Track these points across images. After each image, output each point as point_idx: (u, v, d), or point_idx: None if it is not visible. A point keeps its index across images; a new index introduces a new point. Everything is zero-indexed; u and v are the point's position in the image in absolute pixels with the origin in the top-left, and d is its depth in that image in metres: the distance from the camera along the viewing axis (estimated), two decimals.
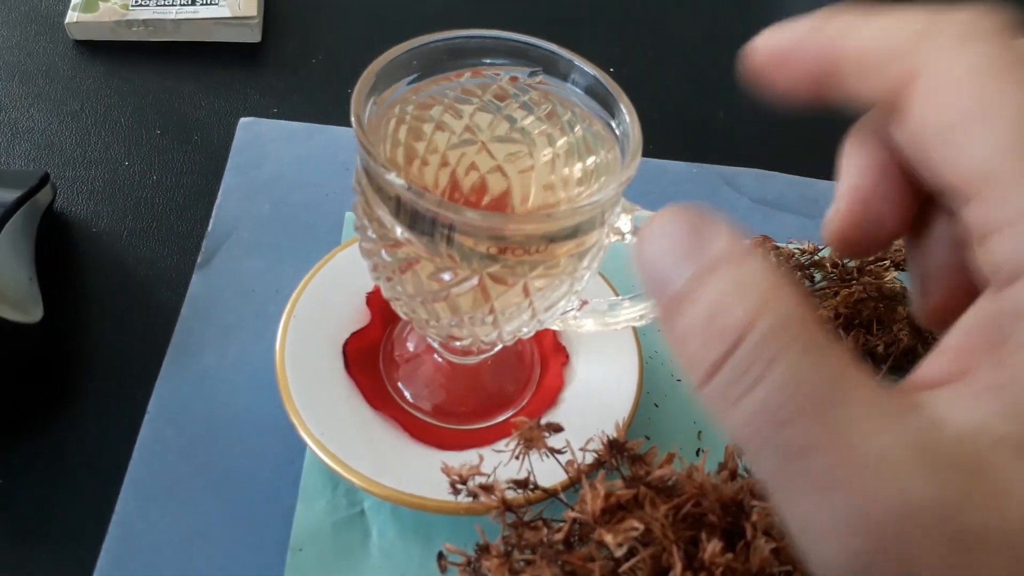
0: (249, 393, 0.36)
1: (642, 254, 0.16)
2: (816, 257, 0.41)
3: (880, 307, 0.38)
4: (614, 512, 0.25)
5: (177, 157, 0.46)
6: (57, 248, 0.40)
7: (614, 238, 0.28)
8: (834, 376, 0.14)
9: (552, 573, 0.24)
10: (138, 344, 0.37)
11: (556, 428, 0.28)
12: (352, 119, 0.26)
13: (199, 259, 0.40)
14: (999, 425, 0.13)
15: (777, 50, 0.18)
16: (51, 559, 0.32)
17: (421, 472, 0.31)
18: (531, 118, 0.31)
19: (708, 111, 0.54)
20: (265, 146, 0.46)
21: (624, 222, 0.28)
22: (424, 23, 0.58)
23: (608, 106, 0.28)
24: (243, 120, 0.47)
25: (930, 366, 0.15)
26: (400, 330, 0.38)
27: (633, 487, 0.25)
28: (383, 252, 0.27)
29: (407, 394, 0.35)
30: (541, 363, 0.37)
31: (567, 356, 0.36)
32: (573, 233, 0.26)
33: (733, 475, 0.26)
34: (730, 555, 0.23)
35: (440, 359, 0.36)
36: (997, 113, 0.14)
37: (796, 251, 0.41)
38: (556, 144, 0.30)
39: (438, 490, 0.30)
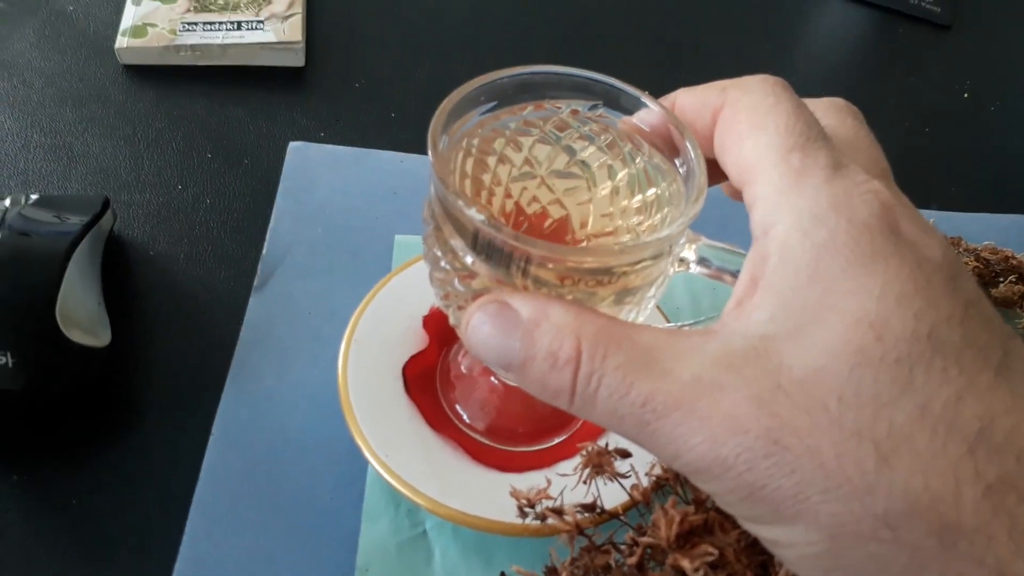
0: (309, 415, 0.37)
1: (477, 342, 0.22)
2: None
3: None
4: (686, 537, 0.25)
5: (229, 181, 0.47)
6: (119, 272, 0.41)
7: (679, 268, 0.29)
8: (646, 346, 0.19)
9: None
10: (200, 367, 0.38)
11: (624, 454, 0.28)
12: (429, 152, 0.27)
13: (255, 282, 0.41)
14: (766, 327, 0.19)
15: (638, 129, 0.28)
16: None
17: (484, 494, 0.32)
18: (591, 148, 0.32)
19: None
20: (314, 170, 0.47)
21: (689, 252, 0.28)
22: (462, 48, 0.59)
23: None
24: (292, 144, 0.48)
25: (727, 307, 0.21)
26: (456, 352, 0.38)
27: (702, 512, 0.26)
28: (456, 282, 0.28)
29: (464, 415, 0.36)
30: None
31: None
32: (642, 264, 0.27)
33: None
34: None
35: (496, 381, 0.37)
36: (760, 132, 0.21)
37: None
38: (616, 176, 0.31)
39: (502, 512, 0.31)
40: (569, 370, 0.20)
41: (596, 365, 0.19)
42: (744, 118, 0.22)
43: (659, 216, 0.30)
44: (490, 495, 0.32)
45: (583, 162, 0.32)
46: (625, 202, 0.31)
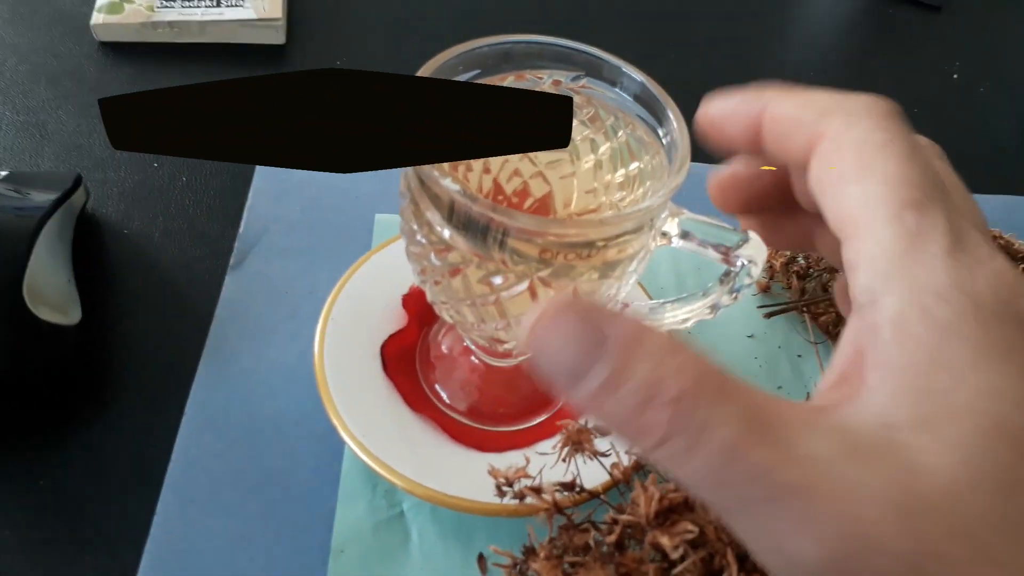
0: (286, 395, 0.36)
1: (545, 353, 0.17)
2: None
3: None
4: (666, 515, 0.25)
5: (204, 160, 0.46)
6: (92, 249, 0.40)
7: (661, 242, 0.28)
8: (758, 405, 0.16)
9: (605, 574, 0.24)
10: (174, 346, 0.38)
11: (604, 431, 0.28)
12: None
13: (231, 261, 0.40)
14: (887, 413, 0.16)
15: (718, 115, 0.23)
16: (92, 560, 0.32)
17: (462, 474, 0.31)
18: (574, 122, 0.31)
19: None
20: None
21: (671, 226, 0.28)
22: (444, 25, 0.58)
23: (655, 112, 0.28)
24: None
25: (825, 382, 0.18)
26: (436, 332, 0.38)
27: (683, 490, 0.26)
28: (432, 256, 0.27)
29: (444, 395, 0.36)
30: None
31: None
32: (623, 237, 0.26)
33: None
34: None
35: (476, 360, 0.36)
36: (868, 177, 0.18)
37: None
38: (599, 151, 0.30)
39: (481, 492, 0.30)
40: (668, 411, 0.16)
41: (703, 415, 0.16)
42: (849, 157, 0.19)
43: (641, 191, 0.30)
44: (469, 475, 0.31)
45: None
46: (608, 176, 0.31)
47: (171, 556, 0.31)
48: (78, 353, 0.36)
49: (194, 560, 0.31)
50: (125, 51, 0.52)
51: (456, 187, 0.24)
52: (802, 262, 0.42)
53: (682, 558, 0.24)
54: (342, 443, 0.34)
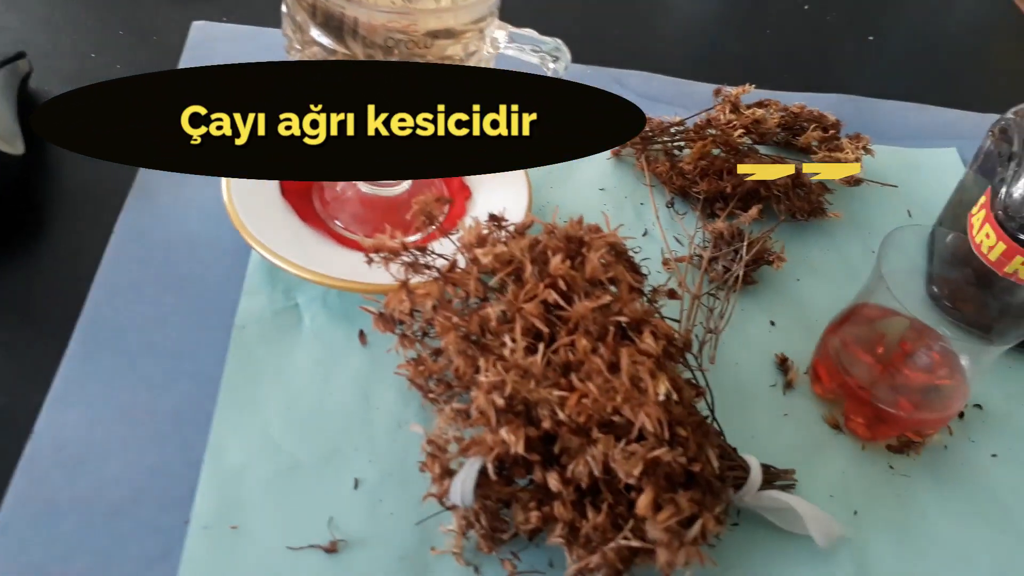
0: (200, 221, 0.42)
1: None
2: (682, 128, 0.49)
3: (730, 159, 0.46)
4: (484, 244, 0.32)
5: (138, 53, 0.52)
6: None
7: (492, 49, 0.35)
8: None
9: (438, 287, 0.31)
10: (104, 190, 0.44)
11: (447, 201, 0.35)
12: None
13: None
14: None
15: None
16: (33, 333, 0.37)
17: (346, 265, 0.38)
18: None
19: (605, 24, 0.62)
20: (215, 45, 0.53)
21: (500, 35, 0.35)
22: None
23: None
24: (195, 23, 0.54)
25: None
26: None
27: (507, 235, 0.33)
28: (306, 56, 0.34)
29: (338, 224, 0.42)
30: (450, 197, 0.44)
31: (470, 192, 0.44)
32: (454, 35, 0.33)
33: (579, 224, 0.33)
34: (568, 264, 0.31)
35: (366, 191, 0.43)
36: None
37: (666, 121, 0.49)
38: None
39: (361, 276, 0.37)
40: None
41: None
42: None
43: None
44: (352, 267, 0.38)
45: None
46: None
47: (99, 331, 0.37)
48: (23, 181, 0.42)
49: (118, 334, 0.37)
50: None
51: None
52: (649, 132, 0.49)
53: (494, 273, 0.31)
54: (247, 252, 0.40)
